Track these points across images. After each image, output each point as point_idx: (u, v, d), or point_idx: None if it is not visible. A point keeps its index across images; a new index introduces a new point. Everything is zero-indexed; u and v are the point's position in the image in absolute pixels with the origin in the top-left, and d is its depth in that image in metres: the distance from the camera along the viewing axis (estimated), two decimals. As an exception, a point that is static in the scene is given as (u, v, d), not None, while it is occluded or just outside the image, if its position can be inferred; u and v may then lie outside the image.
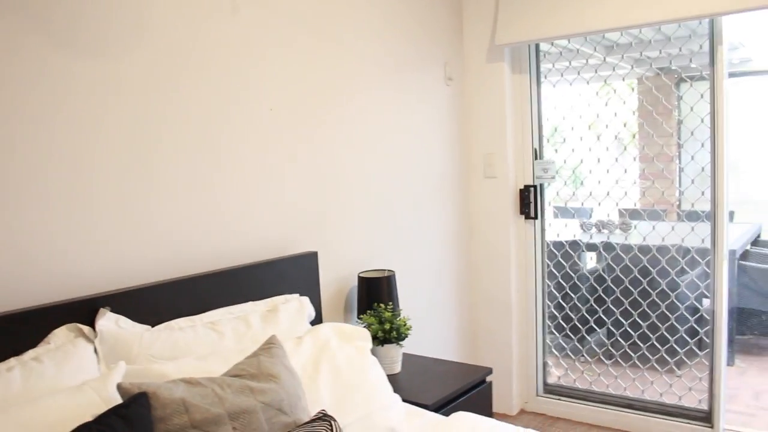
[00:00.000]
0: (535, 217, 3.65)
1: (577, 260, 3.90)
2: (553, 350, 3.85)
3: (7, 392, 1.58)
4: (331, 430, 1.52)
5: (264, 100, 2.50)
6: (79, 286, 1.96)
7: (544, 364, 3.79)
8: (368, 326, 2.65)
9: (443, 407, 2.42)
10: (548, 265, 3.74)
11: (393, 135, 3.14)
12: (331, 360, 1.99)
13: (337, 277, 2.88)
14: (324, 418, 1.57)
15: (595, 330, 3.89)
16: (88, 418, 1.41)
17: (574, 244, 3.96)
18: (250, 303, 2.31)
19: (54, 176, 1.89)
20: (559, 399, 3.72)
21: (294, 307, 2.35)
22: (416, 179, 3.31)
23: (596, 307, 3.85)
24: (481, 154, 3.69)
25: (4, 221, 1.80)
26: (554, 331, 3.83)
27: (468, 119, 3.67)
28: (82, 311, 1.89)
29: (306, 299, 2.44)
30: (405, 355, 2.92)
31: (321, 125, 2.76)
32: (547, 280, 3.74)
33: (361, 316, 2.77)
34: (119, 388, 1.55)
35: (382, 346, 2.68)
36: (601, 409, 3.54)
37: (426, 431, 2.05)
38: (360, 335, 2.19)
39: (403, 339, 2.69)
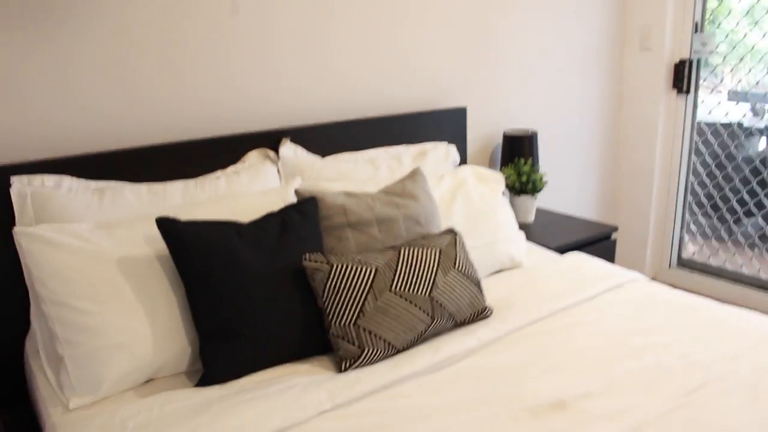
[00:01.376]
0: (688, 92, 3.68)
1: (734, 143, 3.82)
2: (692, 226, 3.95)
3: (216, 192, 2.10)
4: (455, 241, 1.91)
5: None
6: (268, 119, 2.44)
7: (681, 238, 3.92)
8: (507, 177, 2.98)
9: (564, 253, 2.73)
10: (697, 143, 3.79)
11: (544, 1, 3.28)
12: (465, 194, 2.35)
13: (483, 134, 3.19)
14: (451, 231, 1.96)
15: (737, 213, 3.88)
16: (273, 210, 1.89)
17: (739, 126, 3.84)
18: (403, 146, 2.70)
19: (248, 34, 2.34)
20: (691, 272, 3.86)
21: (441, 152, 2.71)
22: (566, 46, 3.44)
23: (752, 191, 3.75)
24: (638, 26, 3.72)
25: (225, 67, 2.28)
26: (695, 207, 3.91)
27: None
28: (269, 140, 2.37)
29: (453, 147, 2.78)
30: (541, 210, 3.23)
31: (477, -8, 2.98)
32: (694, 156, 3.80)
33: (502, 168, 3.08)
34: (296, 192, 2.02)
35: (518, 196, 3.00)
36: (734, 287, 3.64)
37: (541, 262, 2.40)
38: (495, 178, 2.52)
39: (538, 191, 2.99)
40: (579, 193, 3.76)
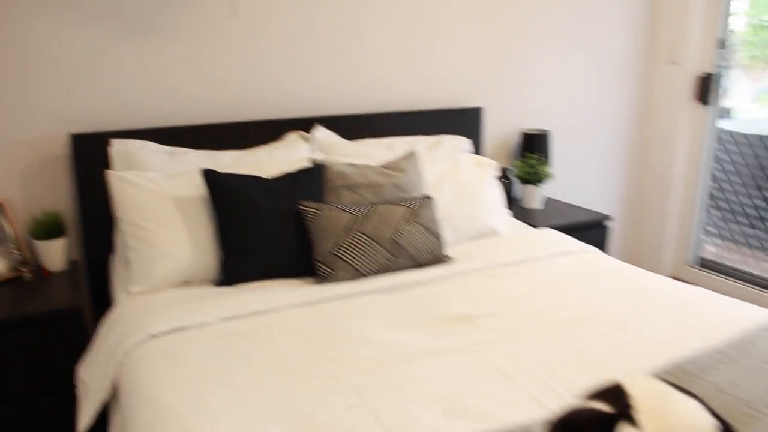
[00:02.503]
0: (710, 104, 4.03)
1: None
2: (711, 229, 4.24)
3: (258, 160, 2.77)
4: (424, 204, 2.48)
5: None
6: (307, 108, 3.10)
7: (699, 240, 4.24)
8: (516, 168, 3.50)
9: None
10: (720, 150, 4.10)
11: (571, 14, 3.75)
12: (457, 174, 2.91)
13: (506, 131, 3.71)
14: (426, 197, 2.53)
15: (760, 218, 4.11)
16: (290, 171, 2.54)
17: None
18: (423, 136, 3.28)
19: (295, 41, 3.01)
20: (707, 272, 4.17)
21: (454, 143, 3.26)
22: (593, 56, 3.89)
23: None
24: (666, 41, 4.10)
25: (274, 66, 2.97)
26: (714, 211, 4.19)
27: (659, 6, 4.06)
28: (306, 124, 3.02)
29: (466, 139, 3.32)
30: (553, 200, 3.71)
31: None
32: (714, 164, 4.12)
33: (515, 162, 3.60)
34: (313, 161, 2.66)
35: (526, 185, 3.51)
36: (752, 289, 3.89)
37: (517, 235, 2.91)
38: (489, 164, 3.05)
39: (541, 182, 3.48)
40: (604, 191, 4.18)
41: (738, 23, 3.96)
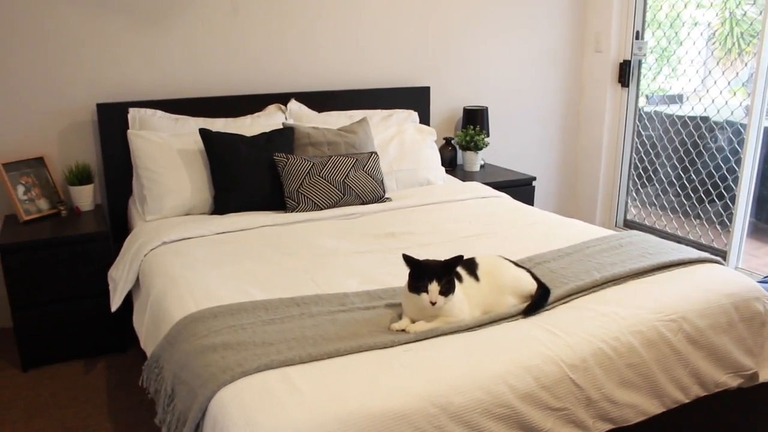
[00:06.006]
0: (629, 86, 4.80)
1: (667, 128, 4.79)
2: (635, 194, 5.00)
3: (244, 127, 3.53)
4: (369, 158, 3.26)
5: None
6: (283, 85, 3.86)
7: (626, 203, 5.02)
8: (457, 137, 4.26)
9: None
10: (638, 126, 4.87)
11: (510, 7, 4.51)
12: (401, 137, 3.68)
13: (453, 107, 4.48)
14: (372, 153, 3.30)
15: (674, 184, 4.85)
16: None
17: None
18: (379, 110, 4.04)
19: (271, 30, 3.77)
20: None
21: (404, 115, 4.02)
22: (535, 46, 4.67)
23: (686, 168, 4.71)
24: (593, 32, 4.86)
25: (257, 53, 3.73)
26: (638, 179, 4.95)
27: (585, 3, 4.83)
28: (282, 99, 3.78)
29: (414, 112, 4.08)
30: (491, 164, 4.47)
31: None
32: (636, 138, 4.88)
33: (458, 132, 4.37)
34: (284, 125, 3.43)
35: (466, 151, 4.28)
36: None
37: (447, 185, 3.68)
38: (429, 131, 3.82)
39: (480, 149, 4.24)
40: (542, 160, 4.95)
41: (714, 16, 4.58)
